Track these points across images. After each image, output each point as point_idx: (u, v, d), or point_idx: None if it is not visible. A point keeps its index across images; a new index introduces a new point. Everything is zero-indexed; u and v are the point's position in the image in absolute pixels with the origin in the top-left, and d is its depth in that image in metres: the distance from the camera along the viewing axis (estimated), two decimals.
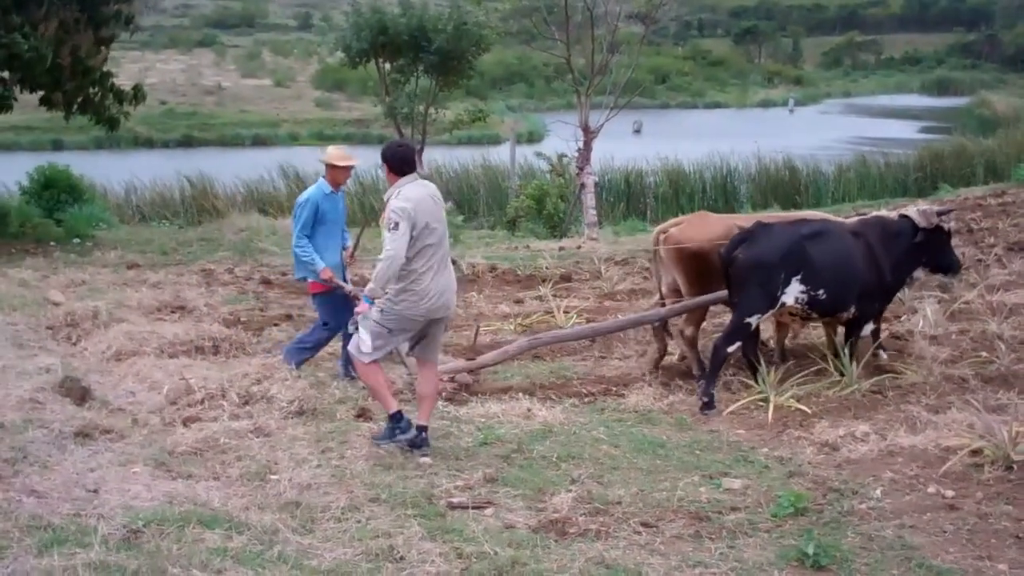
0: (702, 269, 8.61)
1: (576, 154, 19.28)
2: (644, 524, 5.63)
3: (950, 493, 6.04)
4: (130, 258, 14.28)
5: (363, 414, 7.42)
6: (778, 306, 8.03)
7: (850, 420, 7.33)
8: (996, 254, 12.91)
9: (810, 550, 5.12)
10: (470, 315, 11.20)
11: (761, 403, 7.82)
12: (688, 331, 8.84)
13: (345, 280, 8.35)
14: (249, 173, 26.15)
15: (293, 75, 66.14)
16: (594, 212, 18.95)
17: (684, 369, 8.96)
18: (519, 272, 13.46)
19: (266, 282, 12.81)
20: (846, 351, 8.32)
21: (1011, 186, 20.77)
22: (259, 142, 46.36)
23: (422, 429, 6.81)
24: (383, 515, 5.64)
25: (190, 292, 11.73)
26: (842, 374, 8.13)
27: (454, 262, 13.13)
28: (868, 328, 8.43)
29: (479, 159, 28.22)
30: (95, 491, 5.72)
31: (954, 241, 8.86)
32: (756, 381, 8.08)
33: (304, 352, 8.50)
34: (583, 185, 19.09)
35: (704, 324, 9.19)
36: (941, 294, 10.86)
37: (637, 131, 45.19)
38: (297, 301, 11.75)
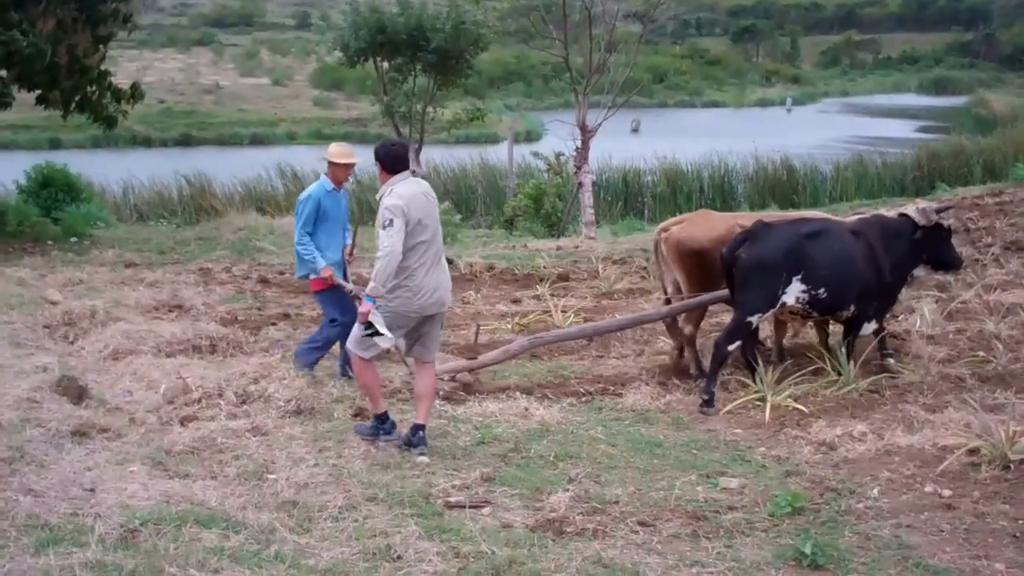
0: (703, 267, 8.61)
1: (574, 153, 19.26)
2: (641, 523, 5.63)
3: (947, 492, 6.04)
4: (128, 257, 14.27)
5: (360, 413, 7.42)
6: (779, 305, 8.03)
7: (847, 419, 7.33)
8: (993, 253, 12.91)
9: (807, 549, 5.13)
10: (468, 314, 11.20)
11: (758, 402, 7.82)
12: (687, 330, 8.85)
13: (346, 278, 8.35)
14: (247, 172, 26.13)
15: (291, 74, 66.13)
16: (592, 211, 18.94)
17: (682, 368, 8.95)
18: (517, 271, 13.45)
19: (264, 281, 12.81)
20: (843, 350, 8.33)
21: (1008, 185, 20.76)
22: (257, 141, 46.34)
23: (419, 428, 6.82)
24: (380, 514, 5.64)
25: (188, 291, 11.73)
26: (839, 373, 8.13)
27: (450, 261, 13.25)
28: (869, 328, 8.43)
29: (477, 158, 28.21)
30: (92, 490, 5.71)
31: (953, 239, 8.85)
32: (754, 380, 8.08)
33: (315, 352, 8.47)
34: (581, 184, 19.08)
35: (702, 324, 9.18)
36: (939, 293, 10.88)
37: (635, 130, 45.17)
38: (295, 300, 11.75)
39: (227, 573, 4.78)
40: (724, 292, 8.44)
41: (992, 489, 6.05)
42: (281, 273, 13.29)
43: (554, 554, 5.18)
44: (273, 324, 10.47)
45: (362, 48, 19.47)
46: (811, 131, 46.15)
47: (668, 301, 9.08)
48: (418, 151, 20.04)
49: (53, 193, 17.01)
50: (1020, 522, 5.60)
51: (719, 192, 26.93)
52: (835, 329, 9.13)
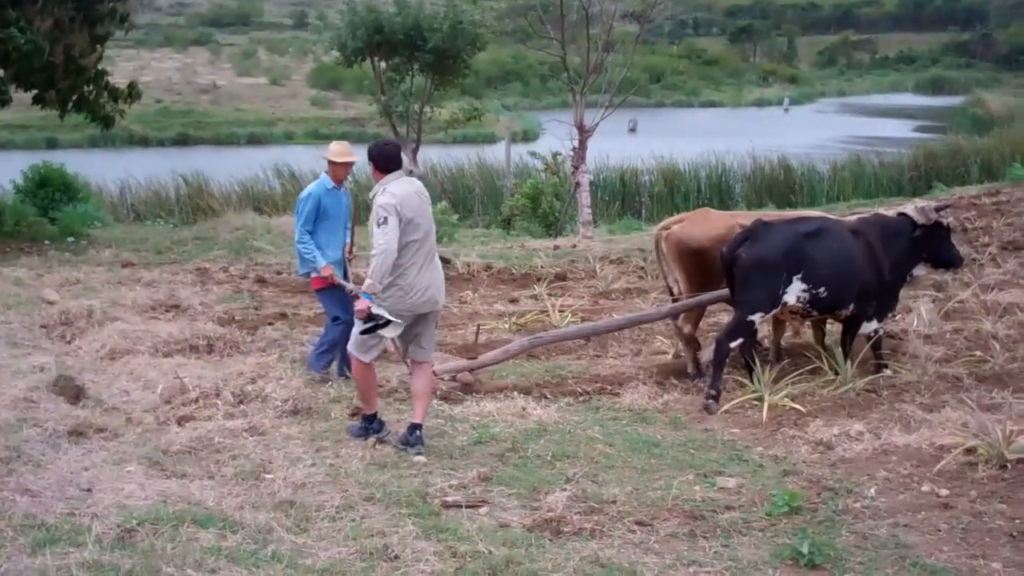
0: (703, 266, 8.61)
1: (571, 153, 19.26)
2: (639, 523, 5.64)
3: (944, 492, 6.05)
4: (125, 257, 14.25)
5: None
6: (781, 305, 8.04)
7: (844, 419, 7.34)
8: (990, 253, 12.92)
9: (804, 549, 5.13)
10: (465, 314, 11.20)
11: (756, 402, 7.82)
12: (686, 329, 8.84)
13: (346, 277, 8.35)
14: (244, 172, 26.10)
15: (288, 74, 66.07)
16: (589, 211, 18.93)
17: (680, 368, 8.95)
18: (514, 271, 13.45)
19: (261, 281, 12.80)
20: (839, 350, 8.33)
21: (1005, 185, 20.78)
22: (254, 141, 46.30)
23: (417, 427, 6.83)
24: (377, 514, 5.64)
25: (185, 291, 11.72)
26: (837, 373, 8.14)
27: (447, 260, 13.25)
28: (869, 327, 8.43)
29: (474, 158, 28.19)
30: (89, 490, 5.70)
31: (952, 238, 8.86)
32: (751, 380, 8.09)
33: (325, 355, 8.43)
34: (578, 184, 19.07)
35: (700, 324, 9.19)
36: (936, 293, 10.89)
37: (632, 130, 45.17)
38: (292, 300, 11.75)
39: (224, 573, 4.78)
40: (724, 292, 8.45)
41: (989, 488, 6.06)
42: (278, 273, 13.28)
43: (551, 554, 5.18)
44: (270, 324, 10.46)
45: (359, 48, 19.45)
46: (808, 131, 46.18)
47: (675, 300, 9.08)
48: (415, 151, 20.03)
49: (50, 193, 16.99)
50: (1017, 521, 5.61)
51: (716, 192, 26.92)
52: (832, 329, 9.14)
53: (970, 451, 6.50)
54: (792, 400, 7.74)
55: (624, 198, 26.62)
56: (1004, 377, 8.17)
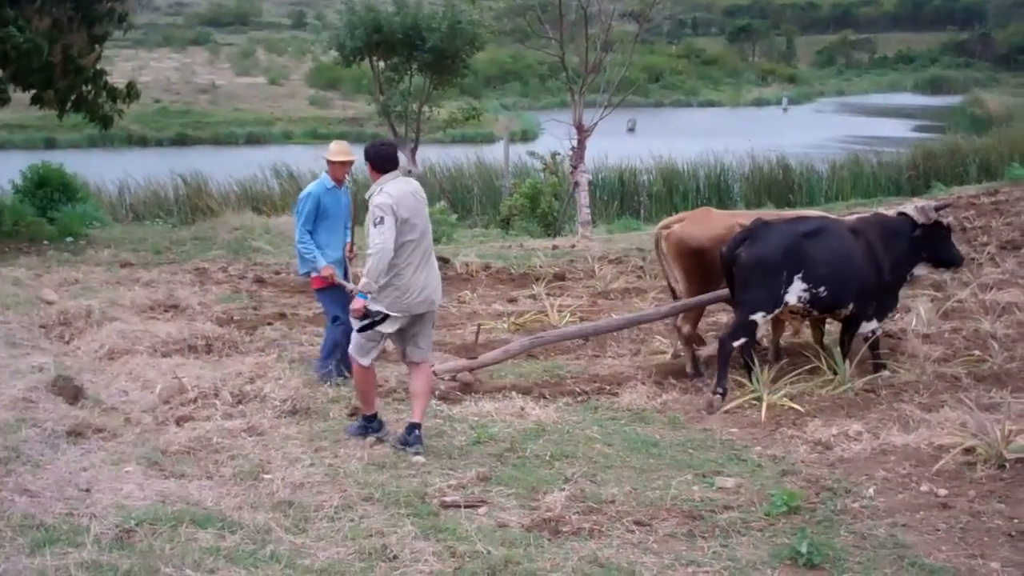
0: (703, 266, 8.61)
1: (570, 153, 19.25)
2: (637, 523, 5.64)
3: (943, 492, 6.05)
4: (123, 257, 14.25)
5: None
6: (783, 305, 8.04)
7: (843, 419, 7.34)
8: (989, 252, 12.93)
9: (803, 549, 5.13)
10: (463, 314, 11.20)
11: (754, 402, 7.82)
12: (685, 328, 8.84)
13: (346, 277, 8.34)
14: (243, 172, 26.09)
15: (287, 73, 66.06)
16: (588, 211, 18.91)
17: (679, 367, 8.95)
18: (513, 271, 13.45)
19: (259, 281, 12.79)
20: (838, 350, 8.34)
21: (1004, 185, 20.80)
22: (253, 140, 46.29)
23: (415, 427, 6.83)
24: (376, 514, 5.64)
25: (183, 291, 11.72)
26: (835, 373, 8.14)
27: (446, 260, 13.25)
28: (869, 326, 8.42)
29: (473, 157, 28.19)
30: (87, 490, 5.70)
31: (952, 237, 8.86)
32: (750, 380, 8.09)
33: (329, 359, 8.41)
34: (577, 184, 19.06)
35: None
36: (934, 293, 10.89)
37: (631, 129, 45.19)
38: (291, 300, 11.75)
39: (223, 573, 4.78)
40: (725, 292, 8.45)
41: (988, 488, 6.06)
42: (277, 273, 13.28)
43: (550, 554, 5.18)
44: (269, 324, 10.46)
45: (358, 47, 19.46)
46: (807, 130, 46.19)
47: (676, 299, 9.08)
48: (414, 150, 20.03)
49: (49, 193, 16.99)
50: (1015, 521, 5.61)
51: (715, 191, 26.92)
52: (831, 328, 9.14)
53: (969, 451, 6.50)
54: (791, 400, 7.75)
55: (623, 198, 26.62)
56: (1003, 376, 8.18)
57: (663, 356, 9.35)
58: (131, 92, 16.67)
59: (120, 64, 46.32)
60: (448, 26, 18.94)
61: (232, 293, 12.01)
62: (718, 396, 7.93)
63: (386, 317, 6.62)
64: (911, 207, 8.58)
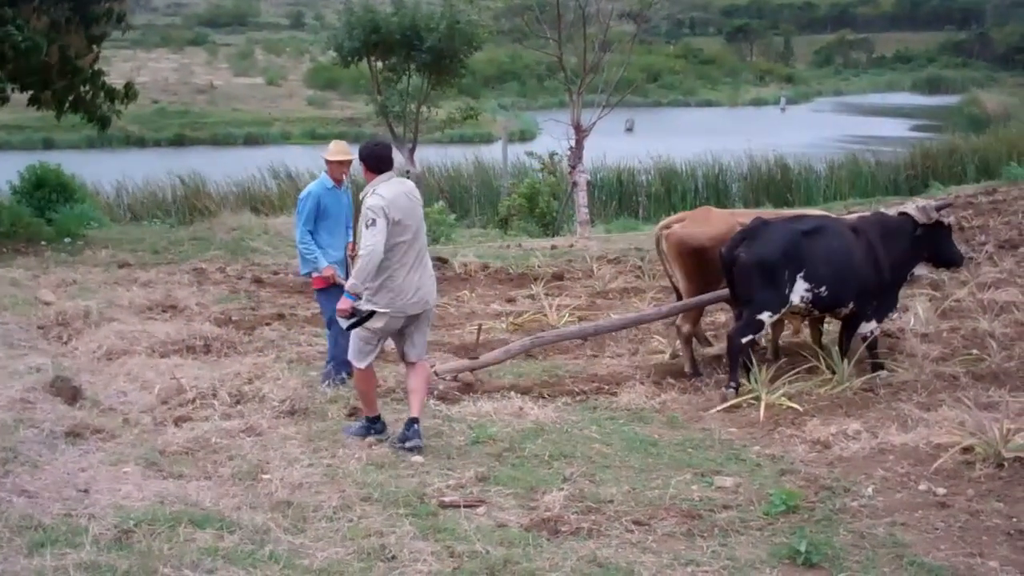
0: (704, 265, 8.61)
1: (568, 152, 19.27)
2: (636, 522, 5.63)
3: (941, 491, 6.05)
4: (121, 257, 14.24)
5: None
6: (789, 304, 8.05)
7: (842, 418, 7.33)
8: (987, 252, 12.92)
9: (802, 548, 5.13)
10: (462, 313, 11.20)
11: (753, 401, 7.82)
12: (685, 328, 8.84)
13: (348, 276, 8.32)
14: (241, 172, 26.11)
15: (285, 74, 66.06)
16: (586, 210, 18.96)
17: (677, 367, 8.95)
18: (511, 271, 13.44)
19: (258, 281, 12.79)
20: (836, 349, 8.34)
21: (1002, 184, 20.80)
22: (251, 141, 46.33)
23: (414, 421, 6.85)
24: (375, 514, 5.63)
25: (181, 291, 11.71)
26: (834, 372, 8.14)
27: (444, 260, 13.25)
28: (868, 326, 8.42)
29: (471, 158, 28.21)
30: (86, 491, 5.70)
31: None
32: (748, 379, 8.09)
33: (340, 363, 8.37)
34: (575, 183, 19.09)
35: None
36: (932, 292, 10.89)
37: (629, 129, 45.21)
38: (289, 300, 11.74)
39: (221, 573, 4.77)
40: (725, 292, 8.46)
41: (986, 487, 6.06)
42: (275, 273, 13.28)
43: (549, 553, 5.18)
44: (267, 324, 10.45)
45: (356, 48, 19.47)
46: (805, 130, 46.22)
47: (680, 298, 9.08)
48: (412, 150, 20.03)
49: (47, 193, 16.97)
50: (1014, 520, 5.61)
51: (713, 191, 26.97)
52: (830, 328, 9.15)
53: (967, 450, 6.49)
54: (789, 399, 7.74)
55: (621, 198, 26.65)
56: (1001, 376, 8.16)
57: (662, 356, 9.35)
58: (129, 92, 16.65)
59: (118, 64, 46.16)
60: (446, 26, 18.94)
61: (230, 293, 12.00)
62: (731, 390, 7.97)
63: (372, 314, 6.63)
64: (912, 207, 8.57)
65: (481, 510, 5.78)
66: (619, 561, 5.11)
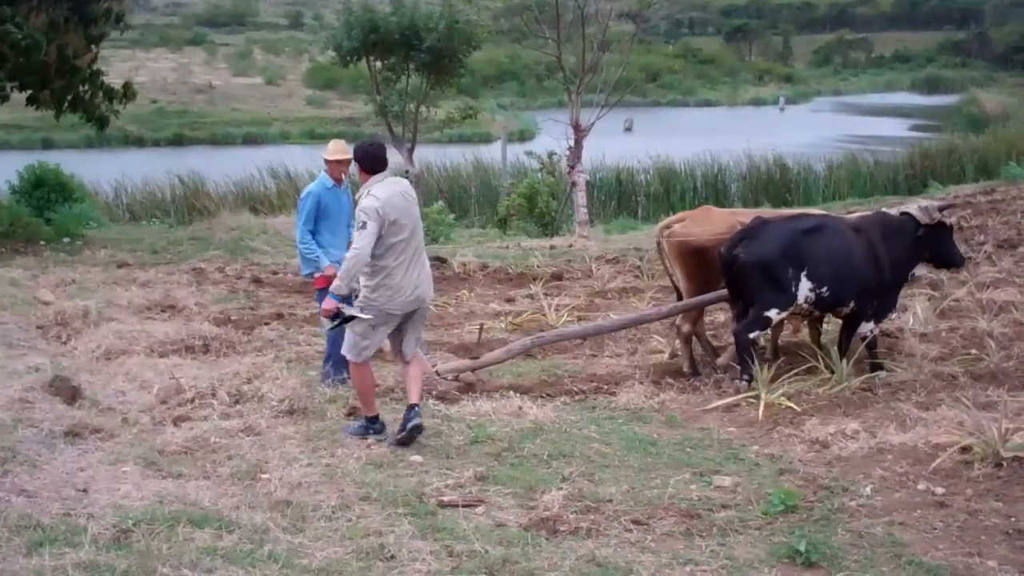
0: (704, 265, 8.62)
1: (567, 152, 19.26)
2: (635, 522, 5.64)
3: (940, 490, 6.05)
4: (120, 257, 14.23)
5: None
6: (795, 302, 8.05)
7: (840, 418, 7.33)
8: (986, 251, 12.93)
9: (801, 547, 5.13)
10: (461, 313, 11.20)
11: (752, 400, 7.83)
12: (685, 327, 8.84)
13: None
14: (240, 172, 26.09)
15: (284, 73, 66.02)
16: (585, 210, 18.94)
17: (676, 367, 8.96)
18: (510, 270, 13.45)
19: (257, 281, 12.79)
20: (835, 349, 8.34)
21: (1001, 184, 20.83)
22: (250, 141, 46.30)
23: (414, 406, 6.91)
24: (374, 514, 5.63)
25: (180, 291, 11.72)
26: (832, 372, 8.14)
27: (443, 260, 13.25)
28: (868, 326, 8.42)
29: (470, 157, 28.20)
30: (85, 490, 5.70)
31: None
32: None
33: (340, 363, 8.38)
34: (574, 183, 19.08)
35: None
36: (931, 292, 10.90)
37: (628, 129, 45.22)
38: (288, 300, 11.75)
39: (220, 573, 4.77)
40: (726, 292, 8.47)
41: (985, 487, 6.06)
42: (274, 273, 13.28)
43: (548, 553, 5.18)
44: (266, 324, 10.45)
45: (355, 47, 19.45)
46: (804, 130, 46.23)
47: (680, 298, 9.09)
48: (411, 150, 20.03)
49: (45, 193, 16.96)
50: (1012, 519, 5.61)
51: (712, 191, 26.96)
52: (829, 328, 9.15)
53: (966, 449, 6.49)
54: (788, 399, 7.74)
55: (620, 197, 26.64)
56: (999, 375, 8.16)
57: (661, 355, 9.35)
58: (128, 92, 16.65)
59: (117, 64, 46.14)
60: (445, 26, 18.93)
61: (229, 293, 12.00)
62: (744, 383, 8.04)
63: (353, 318, 6.71)
64: (914, 207, 8.57)
65: (480, 509, 5.78)
66: (618, 560, 5.11)
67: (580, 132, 18.83)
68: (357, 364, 6.92)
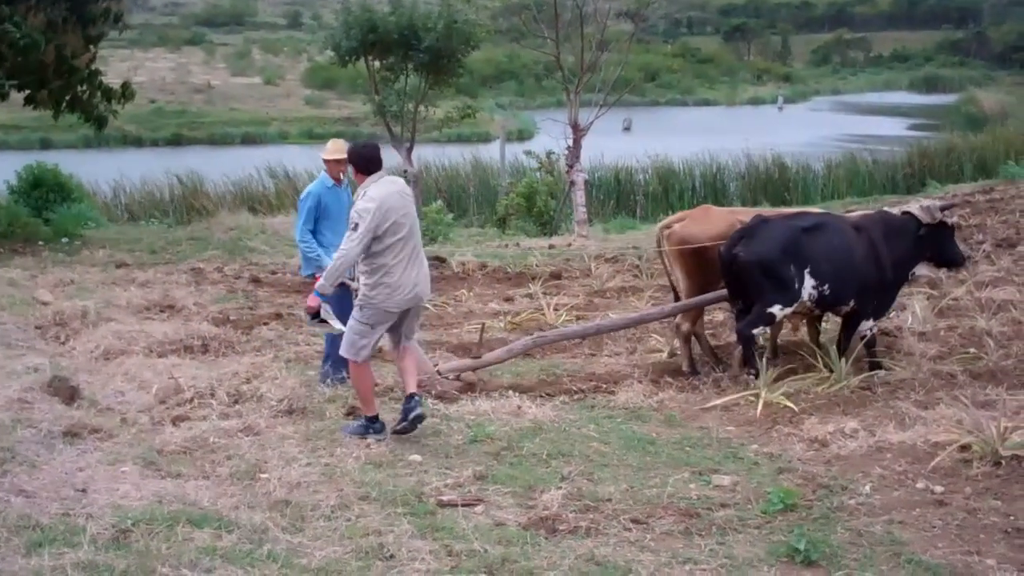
0: (704, 264, 8.62)
1: (566, 152, 19.27)
2: (634, 521, 5.64)
3: (939, 489, 6.06)
4: (119, 257, 14.23)
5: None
6: (799, 299, 8.05)
7: (839, 416, 7.33)
8: (985, 250, 12.94)
9: (800, 546, 5.14)
10: (460, 313, 11.20)
11: (751, 399, 7.83)
12: (685, 326, 8.84)
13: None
14: (238, 172, 26.08)
15: (283, 73, 65.95)
16: (584, 210, 18.95)
17: (675, 366, 8.96)
18: (509, 270, 13.45)
19: (255, 281, 12.79)
20: (834, 348, 8.34)
21: (999, 183, 20.82)
22: (249, 140, 46.28)
23: (412, 396, 6.95)
24: (373, 513, 5.63)
25: (179, 291, 11.71)
26: (831, 371, 8.15)
27: (442, 260, 13.25)
28: (867, 325, 8.42)
29: (469, 157, 28.19)
30: (84, 490, 5.70)
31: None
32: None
33: (339, 363, 8.36)
34: (573, 183, 19.09)
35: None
36: (930, 291, 10.90)
37: (627, 128, 45.19)
38: (287, 300, 11.74)
39: (220, 573, 4.77)
40: (726, 291, 8.47)
41: (983, 485, 6.06)
42: (273, 272, 13.27)
43: (547, 552, 5.18)
44: (265, 324, 10.45)
45: (353, 47, 19.43)
46: (802, 129, 46.24)
47: (677, 298, 9.09)
48: (410, 150, 20.02)
49: (44, 193, 16.95)
50: (1011, 518, 5.61)
51: (711, 190, 26.95)
52: (827, 327, 9.15)
53: (964, 448, 6.50)
54: (787, 398, 7.74)
55: (619, 197, 26.63)
56: (998, 374, 8.16)
57: (659, 355, 9.35)
58: (126, 92, 16.64)
59: (115, 64, 46.16)
60: (444, 26, 18.90)
61: (228, 293, 12.00)
62: (751, 376, 8.08)
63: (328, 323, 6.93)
64: (916, 206, 8.58)
65: (479, 509, 5.78)
66: (617, 560, 5.11)
67: (579, 131, 18.84)
68: (356, 364, 6.93)
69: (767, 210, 10.57)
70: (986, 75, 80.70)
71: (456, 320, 10.80)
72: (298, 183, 23.81)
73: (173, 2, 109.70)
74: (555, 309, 10.75)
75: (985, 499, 5.88)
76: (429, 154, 27.56)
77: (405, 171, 18.94)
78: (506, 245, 16.03)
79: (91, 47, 15.98)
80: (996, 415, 6.80)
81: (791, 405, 7.60)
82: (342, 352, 7.02)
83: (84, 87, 15.91)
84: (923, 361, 8.58)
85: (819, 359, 8.35)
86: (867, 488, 6.10)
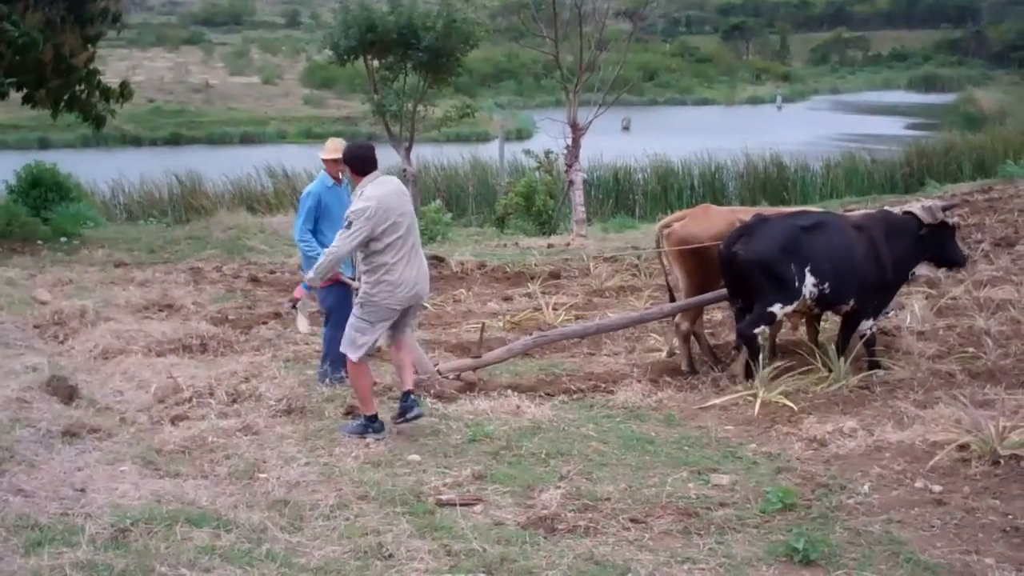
0: (704, 264, 8.62)
1: (565, 151, 19.27)
2: (633, 520, 5.63)
3: (937, 488, 6.06)
4: (117, 257, 14.23)
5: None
6: (800, 298, 8.06)
7: (838, 416, 7.34)
8: (983, 250, 12.95)
9: (799, 545, 5.13)
10: (459, 312, 11.19)
11: (750, 399, 7.83)
12: (684, 326, 8.84)
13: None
14: (237, 171, 26.08)
15: (281, 73, 65.96)
16: (583, 209, 18.95)
17: (674, 365, 8.96)
18: (508, 269, 13.45)
19: (254, 280, 12.78)
20: (832, 347, 8.34)
21: (998, 182, 20.85)
22: (247, 140, 46.30)
23: (409, 394, 6.99)
24: (372, 512, 5.63)
25: (178, 290, 11.71)
26: (830, 370, 8.15)
27: (441, 259, 13.25)
28: (867, 324, 8.43)
29: (468, 156, 28.18)
30: (82, 490, 5.70)
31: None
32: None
33: (337, 362, 8.35)
34: (572, 182, 19.09)
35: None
36: (929, 290, 10.91)
37: (625, 128, 45.19)
38: (285, 299, 11.71)
39: (218, 572, 4.77)
40: (725, 291, 8.47)
41: (982, 484, 6.06)
42: (272, 272, 13.27)
43: (546, 551, 5.18)
44: (264, 323, 10.44)
45: (352, 47, 19.42)
46: (801, 128, 46.22)
47: (673, 299, 9.09)
48: (408, 149, 20.02)
49: (43, 193, 16.95)
50: (1010, 517, 5.61)
51: (710, 189, 26.94)
52: (826, 327, 9.15)
53: (963, 447, 6.50)
54: (786, 397, 7.74)
55: (618, 196, 26.63)
56: (997, 373, 8.17)
57: (658, 354, 9.35)
58: (124, 92, 16.65)
59: (114, 64, 46.16)
60: (443, 25, 18.90)
61: (227, 292, 12.00)
62: (750, 383, 8.06)
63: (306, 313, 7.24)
64: (917, 206, 8.58)
65: (478, 508, 5.78)
66: (616, 559, 5.11)
67: (577, 131, 18.84)
68: (355, 363, 6.93)
69: (767, 209, 10.57)
70: (985, 74, 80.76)
71: (455, 319, 10.79)
72: (297, 182, 23.81)
73: (171, 1, 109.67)
74: (554, 308, 10.75)
75: (984, 498, 5.88)
76: (428, 153, 27.56)
77: (404, 170, 18.94)
78: (505, 244, 16.04)
79: (89, 46, 15.98)
80: (995, 414, 6.79)
81: (790, 404, 7.60)
82: (342, 348, 7.02)
83: (82, 86, 15.91)
84: (922, 360, 8.58)
85: (818, 358, 8.35)
86: (866, 487, 6.10)
